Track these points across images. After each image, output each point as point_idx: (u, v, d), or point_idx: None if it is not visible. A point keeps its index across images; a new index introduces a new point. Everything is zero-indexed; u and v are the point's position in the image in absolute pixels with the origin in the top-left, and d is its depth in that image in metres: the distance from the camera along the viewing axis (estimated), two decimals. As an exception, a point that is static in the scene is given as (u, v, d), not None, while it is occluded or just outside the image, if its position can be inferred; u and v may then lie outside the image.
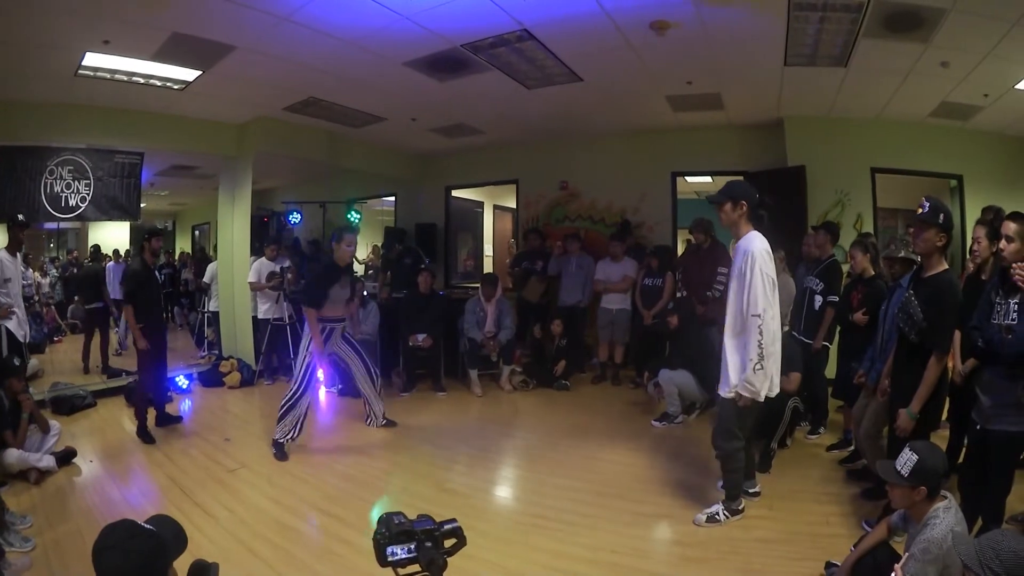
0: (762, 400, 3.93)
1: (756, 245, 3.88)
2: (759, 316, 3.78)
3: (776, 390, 3.99)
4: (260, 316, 8.57)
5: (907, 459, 2.74)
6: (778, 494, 4.62)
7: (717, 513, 4.19)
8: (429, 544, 1.45)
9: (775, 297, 3.86)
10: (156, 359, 6.26)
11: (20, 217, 6.38)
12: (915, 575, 2.58)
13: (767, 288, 3.80)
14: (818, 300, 5.89)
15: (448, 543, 1.50)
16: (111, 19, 5.31)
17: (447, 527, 1.50)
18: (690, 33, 5.66)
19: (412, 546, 1.44)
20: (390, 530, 1.45)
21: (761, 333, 3.78)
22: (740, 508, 4.25)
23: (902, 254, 4.67)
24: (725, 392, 4.03)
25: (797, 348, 5.49)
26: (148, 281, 6.26)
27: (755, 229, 4.02)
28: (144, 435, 5.97)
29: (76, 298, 10.51)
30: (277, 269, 8.36)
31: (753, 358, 3.80)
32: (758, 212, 4.06)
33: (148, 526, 1.81)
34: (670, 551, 3.94)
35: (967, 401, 3.61)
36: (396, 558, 1.43)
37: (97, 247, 10.30)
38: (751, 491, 4.50)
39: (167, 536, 1.84)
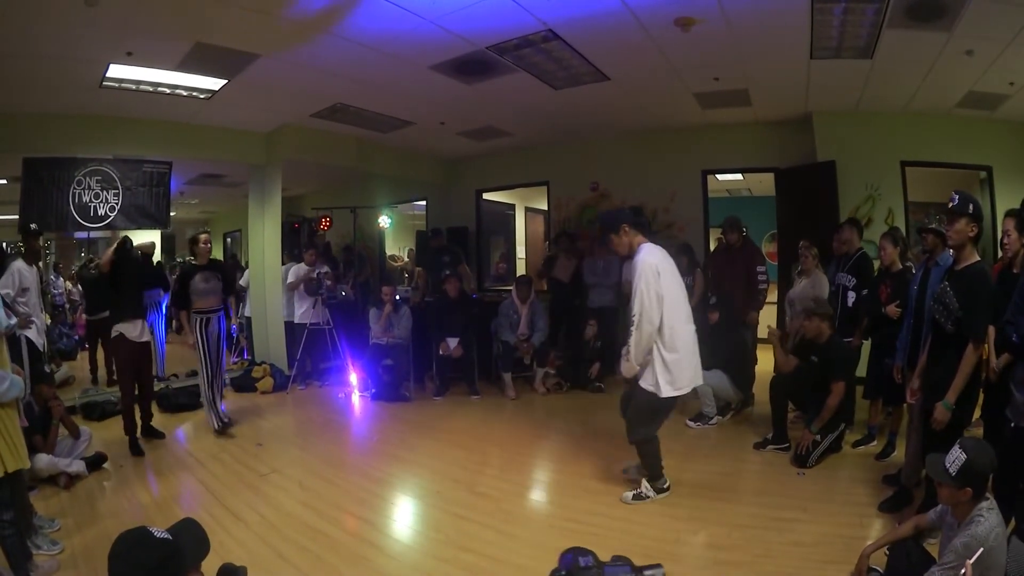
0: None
1: (641, 258, 4.38)
2: (635, 319, 4.35)
3: (678, 390, 4.45)
4: (297, 320, 8.60)
5: (956, 457, 2.66)
6: (811, 495, 4.56)
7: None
8: None
9: (656, 306, 4.31)
10: None
11: (33, 226, 6.44)
12: (954, 568, 2.52)
13: (646, 298, 4.29)
14: (851, 296, 5.77)
15: None
16: (133, 31, 5.37)
17: (647, 574, 1.28)
18: (715, 28, 5.60)
19: None
20: (572, 573, 1.25)
21: (633, 333, 4.37)
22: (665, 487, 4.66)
23: (933, 225, 4.59)
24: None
25: (841, 354, 5.36)
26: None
27: (645, 237, 4.57)
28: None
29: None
30: (315, 275, 8.40)
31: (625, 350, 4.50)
32: (640, 221, 4.67)
33: (161, 534, 1.79)
34: (703, 554, 3.88)
35: (1001, 398, 3.52)
36: None
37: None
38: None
39: (186, 543, 1.83)
